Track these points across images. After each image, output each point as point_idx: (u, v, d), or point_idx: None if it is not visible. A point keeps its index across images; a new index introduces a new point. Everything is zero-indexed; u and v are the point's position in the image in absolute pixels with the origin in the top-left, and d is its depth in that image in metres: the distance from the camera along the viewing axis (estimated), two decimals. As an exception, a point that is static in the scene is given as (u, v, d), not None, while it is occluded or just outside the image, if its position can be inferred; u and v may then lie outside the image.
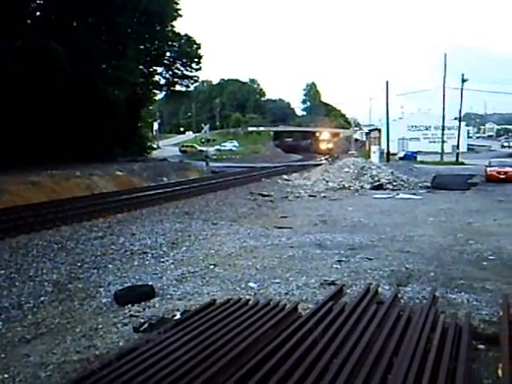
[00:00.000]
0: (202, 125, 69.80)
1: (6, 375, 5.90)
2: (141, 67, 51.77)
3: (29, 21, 41.25)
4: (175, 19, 53.94)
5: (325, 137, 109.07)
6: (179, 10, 53.68)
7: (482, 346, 5.96)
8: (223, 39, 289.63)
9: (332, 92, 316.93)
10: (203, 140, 74.99)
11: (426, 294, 7.87)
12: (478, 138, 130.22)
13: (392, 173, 31.38)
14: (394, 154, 60.39)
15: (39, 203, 21.54)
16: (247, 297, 7.95)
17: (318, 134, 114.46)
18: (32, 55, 33.68)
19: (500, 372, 5.15)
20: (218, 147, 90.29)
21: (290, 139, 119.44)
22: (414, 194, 25.70)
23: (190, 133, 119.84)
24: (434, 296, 7.56)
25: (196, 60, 57.59)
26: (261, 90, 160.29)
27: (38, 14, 43.94)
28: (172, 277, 9.96)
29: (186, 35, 56.54)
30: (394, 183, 28.93)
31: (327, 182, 29.97)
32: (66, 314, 8.31)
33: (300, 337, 5.68)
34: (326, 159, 50.88)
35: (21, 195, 22.81)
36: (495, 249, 11.75)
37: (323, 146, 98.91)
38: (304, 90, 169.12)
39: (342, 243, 12.67)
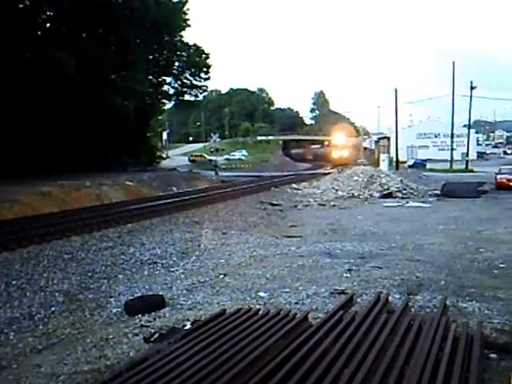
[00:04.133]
0: (211, 134, 70.03)
1: (17, 386, 5.93)
2: (150, 77, 52.05)
3: (39, 32, 41.72)
4: (184, 29, 54.24)
5: (339, 142, 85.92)
6: (188, 20, 54.08)
7: (493, 356, 5.90)
8: (232, 49, 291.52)
9: (341, 100, 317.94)
10: (212, 149, 75.30)
11: (436, 303, 7.81)
12: (487, 145, 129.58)
13: (401, 181, 31.25)
14: (403, 162, 60.26)
15: (50, 213, 21.65)
16: (257, 306, 7.92)
17: (326, 142, 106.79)
18: (42, 66, 33.97)
19: (512, 382, 5.12)
20: (227, 156, 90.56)
21: (318, 146, 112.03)
22: (423, 202, 25.61)
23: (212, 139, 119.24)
24: (444, 305, 7.52)
25: (205, 70, 57.79)
26: (269, 99, 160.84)
27: (48, 25, 44.33)
28: (182, 287, 9.97)
29: (194, 45, 56.80)
30: (404, 191, 28.82)
31: (336, 190, 29.91)
32: (76, 325, 8.35)
33: (310, 346, 5.66)
34: (335, 167, 49.93)
35: (31, 206, 22.92)
36: (506, 257, 11.65)
37: (336, 155, 77.14)
38: (312, 98, 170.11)
39: (352, 252, 12.64)
